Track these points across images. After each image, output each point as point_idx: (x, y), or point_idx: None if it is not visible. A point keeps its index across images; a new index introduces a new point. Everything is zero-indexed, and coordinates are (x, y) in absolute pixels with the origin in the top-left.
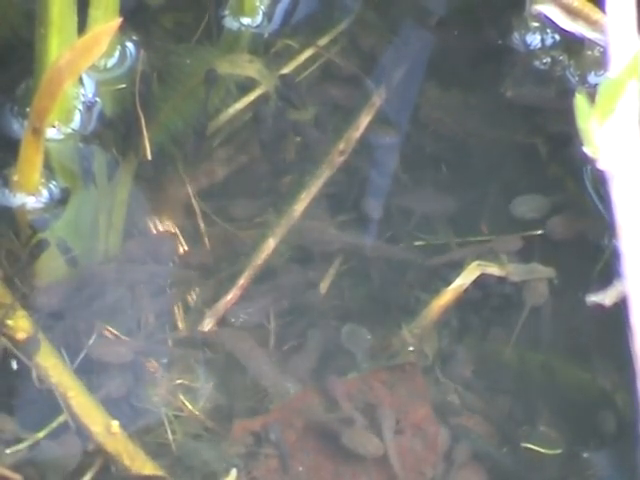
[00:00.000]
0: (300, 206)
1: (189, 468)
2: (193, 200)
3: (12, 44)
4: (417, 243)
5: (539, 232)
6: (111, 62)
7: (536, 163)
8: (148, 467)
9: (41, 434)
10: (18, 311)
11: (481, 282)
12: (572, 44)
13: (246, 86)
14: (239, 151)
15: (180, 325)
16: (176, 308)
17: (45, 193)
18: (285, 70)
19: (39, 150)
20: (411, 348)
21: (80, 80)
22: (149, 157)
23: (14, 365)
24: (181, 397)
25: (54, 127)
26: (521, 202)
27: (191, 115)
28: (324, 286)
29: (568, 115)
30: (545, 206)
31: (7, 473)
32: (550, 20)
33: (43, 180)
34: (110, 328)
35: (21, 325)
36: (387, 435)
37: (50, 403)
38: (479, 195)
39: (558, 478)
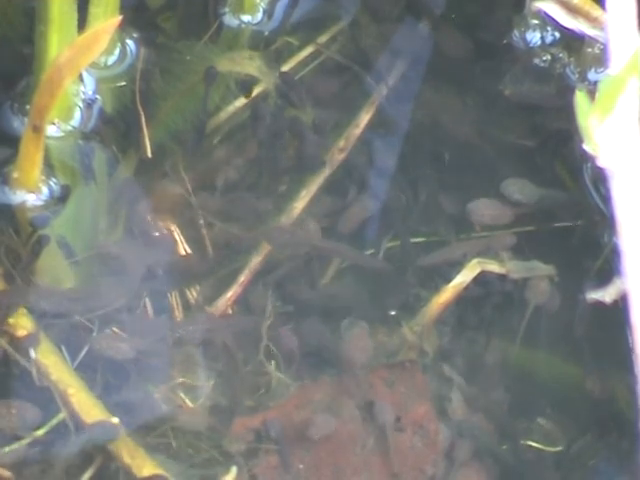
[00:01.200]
0: (300, 204)
1: (189, 465)
2: (193, 197)
3: (12, 41)
4: (415, 240)
5: (539, 229)
6: (111, 59)
7: (535, 160)
8: (148, 465)
9: (40, 432)
10: (18, 308)
11: (481, 279)
12: (572, 41)
13: (246, 83)
14: (239, 148)
15: (180, 322)
16: (176, 305)
17: (45, 190)
18: (285, 67)
19: (39, 147)
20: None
21: (80, 77)
22: (149, 155)
23: (14, 362)
24: (181, 394)
25: (54, 124)
26: (514, 188)
27: (191, 112)
28: (325, 283)
29: (568, 112)
30: (545, 203)
31: (2, 472)
32: (550, 17)
33: (43, 177)
34: (110, 325)
35: (21, 322)
36: (387, 430)
37: (50, 400)
38: (479, 192)
39: (559, 475)
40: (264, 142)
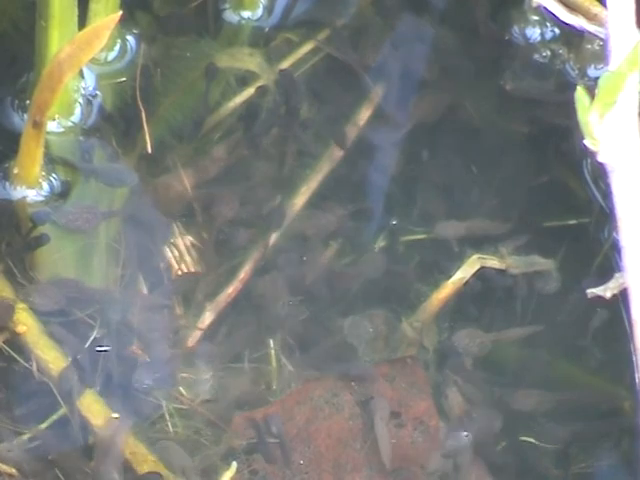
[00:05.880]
0: (300, 200)
1: (190, 461)
2: (193, 193)
3: (12, 37)
4: (415, 237)
5: (539, 225)
6: (112, 55)
7: (536, 156)
8: (149, 460)
9: (40, 428)
10: (18, 304)
11: (481, 274)
12: (572, 37)
13: (246, 79)
14: (239, 145)
15: (181, 318)
16: (176, 302)
17: (45, 186)
18: (285, 64)
19: (39, 143)
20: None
21: (81, 73)
22: (149, 150)
23: (14, 358)
24: (182, 390)
25: (54, 120)
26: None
27: (191, 108)
28: (325, 280)
29: (568, 108)
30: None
31: (2, 467)
32: (550, 13)
33: (43, 173)
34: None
35: (21, 318)
36: (380, 426)
37: (50, 396)
38: (479, 189)
39: (557, 472)
40: (264, 138)
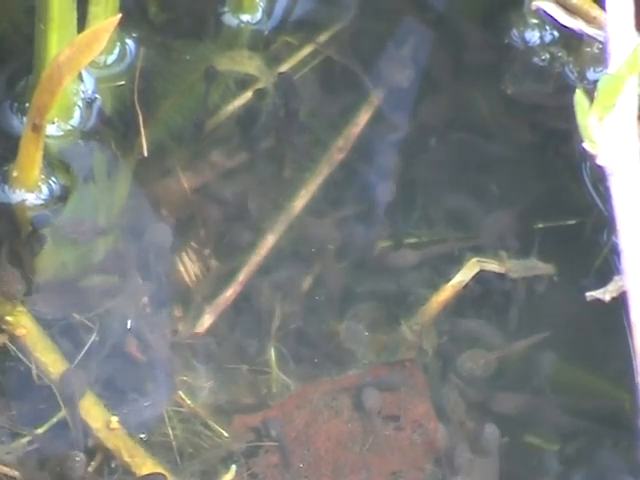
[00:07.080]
0: (299, 203)
1: (189, 464)
2: (192, 196)
3: (12, 40)
4: (413, 240)
5: (539, 227)
6: (111, 59)
7: (535, 159)
8: (148, 463)
9: (40, 430)
10: (18, 307)
11: (480, 278)
12: (571, 40)
13: (245, 83)
14: (238, 148)
15: (179, 321)
16: (176, 305)
17: (45, 189)
18: (284, 67)
19: (39, 146)
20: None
21: (80, 76)
22: (146, 154)
23: (13, 361)
24: (181, 393)
25: (54, 123)
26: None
27: (190, 112)
28: (324, 282)
29: (567, 111)
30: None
31: (4, 469)
32: (549, 16)
33: (43, 176)
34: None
35: (21, 321)
36: (372, 414)
37: (50, 399)
38: (478, 191)
39: (558, 473)
40: (263, 141)
